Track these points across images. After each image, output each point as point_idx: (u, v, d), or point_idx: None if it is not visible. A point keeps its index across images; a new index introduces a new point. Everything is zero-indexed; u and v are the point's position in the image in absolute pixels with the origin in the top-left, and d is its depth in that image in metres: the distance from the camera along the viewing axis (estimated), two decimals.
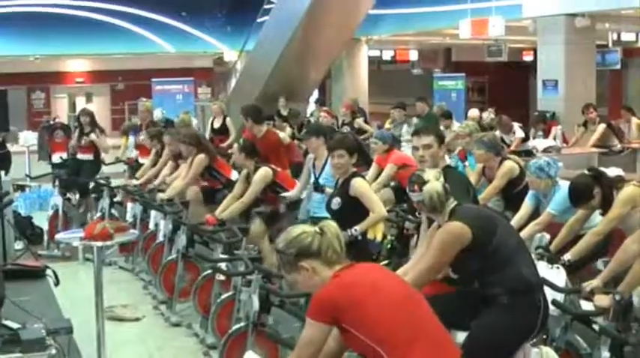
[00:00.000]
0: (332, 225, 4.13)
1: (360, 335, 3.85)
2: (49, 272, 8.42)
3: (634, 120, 16.32)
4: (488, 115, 17.94)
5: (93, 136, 13.39)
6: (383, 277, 4.12)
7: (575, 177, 7.12)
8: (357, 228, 7.05)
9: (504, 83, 30.35)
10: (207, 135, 15.53)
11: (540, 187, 7.72)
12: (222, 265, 7.54)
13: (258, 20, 24.39)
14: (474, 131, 9.99)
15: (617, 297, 5.47)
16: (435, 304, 4.22)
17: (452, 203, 5.10)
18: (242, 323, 6.40)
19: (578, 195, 6.89)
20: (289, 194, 9.16)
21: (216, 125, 16.08)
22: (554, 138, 14.86)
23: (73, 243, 8.25)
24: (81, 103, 31.98)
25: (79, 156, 13.59)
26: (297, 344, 4.03)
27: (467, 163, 9.90)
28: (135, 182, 11.77)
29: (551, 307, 5.34)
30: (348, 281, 3.95)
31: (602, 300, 5.55)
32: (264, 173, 9.04)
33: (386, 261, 7.50)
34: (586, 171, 7.06)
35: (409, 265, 5.56)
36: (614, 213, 6.68)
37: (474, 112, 17.75)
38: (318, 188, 8.44)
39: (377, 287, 3.95)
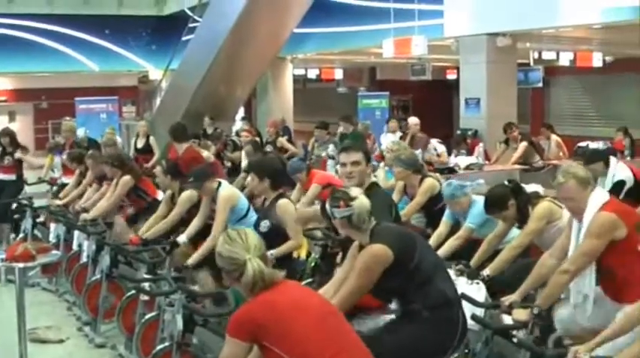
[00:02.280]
0: (256, 264, 4.15)
1: (281, 353, 3.90)
2: None
3: (553, 137, 16.65)
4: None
5: (18, 154, 13.22)
6: (303, 295, 4.20)
7: (494, 186, 7.28)
8: (273, 252, 6.98)
9: (428, 101, 30.64)
10: (131, 154, 15.45)
11: (464, 206, 7.86)
12: (146, 285, 7.51)
13: (183, 39, 24.31)
14: (401, 148, 10.07)
15: (536, 311, 5.59)
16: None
17: (372, 222, 5.18)
18: (166, 343, 6.40)
19: (493, 203, 7.06)
20: None
21: (140, 145, 16.02)
22: (477, 156, 15.05)
23: None
24: (3, 122, 31.46)
25: (1, 176, 13.37)
26: None
27: None
28: (58, 202, 11.68)
29: (472, 322, 5.46)
30: (269, 300, 4.01)
31: (521, 314, 5.67)
32: (189, 194, 9.00)
33: (309, 280, 7.55)
34: (506, 182, 7.21)
35: (331, 284, 5.61)
36: (530, 227, 6.84)
37: (393, 123, 17.97)
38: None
39: (297, 305, 4.02)
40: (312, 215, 8.08)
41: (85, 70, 29.70)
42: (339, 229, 5.35)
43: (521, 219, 6.95)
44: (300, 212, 7.96)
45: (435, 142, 14.79)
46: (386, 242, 4.99)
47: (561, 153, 16.10)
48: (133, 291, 7.80)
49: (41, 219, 11.80)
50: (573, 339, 5.81)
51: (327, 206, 5.33)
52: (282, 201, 7.40)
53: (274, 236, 7.17)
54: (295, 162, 11.04)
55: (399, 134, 16.96)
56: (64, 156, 13.07)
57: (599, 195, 5.84)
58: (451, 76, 28.41)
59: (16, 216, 12.38)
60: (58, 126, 27.23)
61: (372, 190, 5.94)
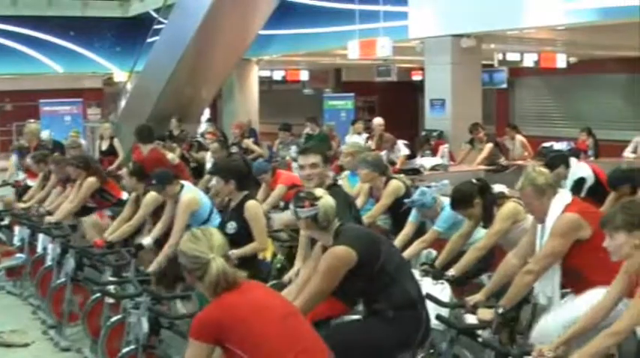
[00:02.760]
0: (218, 264, 4.13)
1: (243, 354, 3.91)
2: None
3: (518, 137, 16.74)
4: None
5: None
6: (265, 295, 4.20)
7: (462, 183, 7.32)
8: (234, 252, 6.89)
9: (394, 103, 30.71)
10: (96, 156, 15.38)
11: (437, 211, 7.89)
12: (111, 288, 7.48)
13: (148, 40, 24.22)
14: (358, 151, 10.07)
15: (500, 310, 5.62)
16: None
17: (337, 222, 5.20)
18: (132, 346, 6.37)
19: (459, 199, 7.11)
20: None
21: (104, 147, 15.98)
22: (442, 157, 15.10)
23: None
24: None
25: None
26: None
27: None
28: (22, 205, 11.60)
29: (436, 322, 5.49)
30: (230, 301, 4.01)
31: (485, 314, 5.70)
32: (153, 196, 8.96)
33: (275, 281, 7.55)
34: (474, 180, 7.26)
35: (294, 286, 5.63)
36: (495, 228, 6.89)
37: (359, 124, 18.02)
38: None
39: (259, 306, 4.03)
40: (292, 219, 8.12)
41: (49, 71, 29.48)
42: (304, 230, 5.37)
43: (487, 218, 7.00)
44: (281, 217, 7.99)
45: (400, 144, 14.82)
46: (350, 243, 5.01)
47: (526, 153, 16.19)
48: (98, 294, 7.76)
49: (5, 222, 11.71)
50: None
51: (291, 207, 5.35)
52: (251, 203, 7.37)
53: (241, 237, 7.16)
54: (260, 163, 11.03)
55: (364, 135, 16.99)
56: (29, 160, 12.98)
57: (562, 198, 5.89)
58: (417, 77, 28.48)
59: None
60: (22, 128, 27.11)
61: (330, 190, 5.96)
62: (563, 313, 5.62)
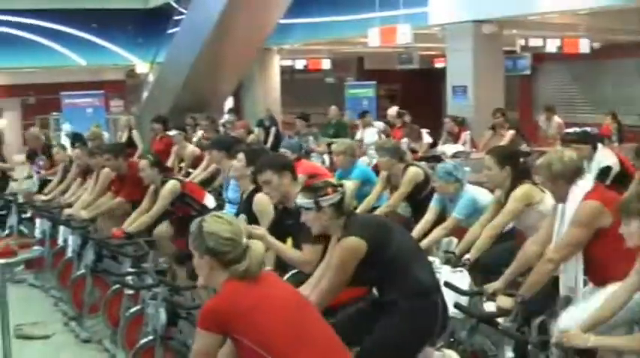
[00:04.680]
0: (259, 249, 4.10)
1: (251, 344, 3.86)
2: None
3: (555, 118, 16.64)
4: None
5: None
6: (273, 285, 4.14)
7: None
8: None
9: (417, 90, 30.57)
10: None
11: (450, 191, 7.77)
12: (129, 279, 7.47)
13: (169, 31, 24.25)
14: (349, 149, 9.90)
15: (519, 299, 5.55)
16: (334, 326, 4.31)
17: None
18: (150, 337, 6.36)
19: (498, 151, 7.19)
20: None
21: (123, 139, 16.12)
22: (463, 144, 15.01)
23: None
24: None
25: None
26: (191, 356, 4.03)
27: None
28: (43, 198, 11.63)
29: (455, 310, 5.42)
30: (239, 291, 3.96)
31: (505, 302, 5.63)
32: (171, 186, 8.90)
33: (294, 271, 7.48)
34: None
35: (310, 281, 5.56)
36: (507, 208, 6.83)
37: (393, 110, 18.00)
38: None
39: (267, 297, 3.98)
40: None
41: (72, 64, 29.60)
42: (314, 224, 5.24)
43: (507, 192, 6.94)
44: None
45: (423, 132, 14.78)
46: (359, 234, 4.94)
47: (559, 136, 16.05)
48: (118, 285, 7.77)
49: (27, 214, 11.74)
50: None
51: (309, 199, 5.23)
52: (259, 197, 7.17)
53: None
54: (293, 140, 10.98)
55: (380, 124, 16.98)
56: (41, 163, 12.89)
57: (584, 183, 5.78)
58: (439, 64, 28.35)
59: (2, 213, 12.34)
60: (45, 121, 27.29)
61: None
62: (588, 305, 5.51)
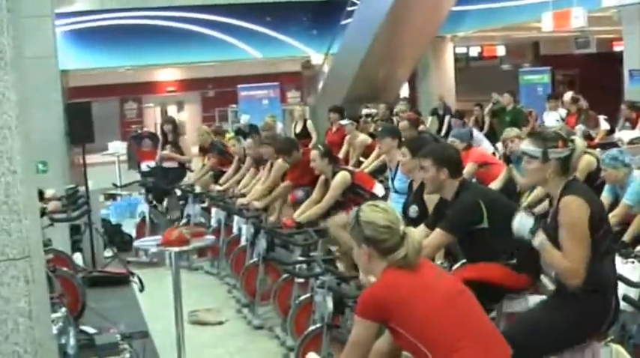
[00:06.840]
0: (416, 237, 4.05)
1: (407, 335, 3.85)
2: (134, 278, 8.68)
3: None
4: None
5: (166, 151, 13.52)
6: (433, 275, 4.09)
7: None
8: None
9: (595, 75, 29.80)
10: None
11: (619, 176, 7.55)
12: (298, 267, 7.58)
13: (343, 22, 24.42)
14: (521, 135, 9.70)
15: None
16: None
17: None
18: (317, 325, 6.43)
19: None
20: None
21: (298, 129, 16.36)
22: None
23: (150, 250, 8.38)
24: (172, 112, 32.47)
25: (165, 164, 13.71)
26: (347, 344, 4.05)
27: None
28: (218, 188, 11.94)
29: (625, 303, 5.19)
30: (397, 280, 3.94)
31: None
32: (341, 178, 8.99)
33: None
34: None
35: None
36: None
37: (567, 96, 17.57)
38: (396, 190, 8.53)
39: (425, 286, 3.93)
40: None
41: (248, 57, 30.19)
42: (531, 173, 4.93)
43: None
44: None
45: (601, 119, 14.38)
46: (584, 198, 4.65)
47: None
48: (287, 274, 7.91)
49: (204, 204, 12.08)
50: None
51: (536, 147, 4.83)
52: None
53: (421, 222, 6.89)
54: (463, 130, 10.92)
55: (563, 111, 16.55)
56: (213, 160, 13.14)
57: None
58: (618, 47, 27.54)
59: (181, 202, 12.74)
60: (224, 113, 28.00)
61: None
62: None
